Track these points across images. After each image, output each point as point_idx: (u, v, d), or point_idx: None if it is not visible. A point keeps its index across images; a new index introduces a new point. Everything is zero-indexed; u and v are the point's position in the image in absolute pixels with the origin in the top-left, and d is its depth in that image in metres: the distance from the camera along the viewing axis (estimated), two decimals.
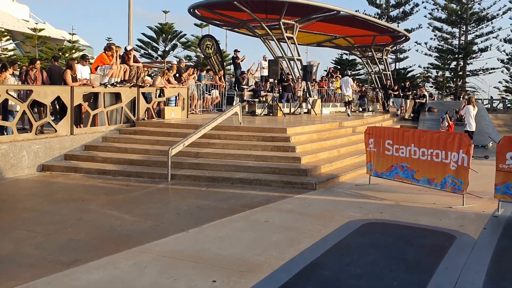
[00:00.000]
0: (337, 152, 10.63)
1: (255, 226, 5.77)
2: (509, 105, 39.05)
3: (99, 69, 11.64)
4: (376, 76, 30.57)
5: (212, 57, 19.10)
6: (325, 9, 19.72)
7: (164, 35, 33.03)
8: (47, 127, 10.48)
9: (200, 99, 16.06)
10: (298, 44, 21.65)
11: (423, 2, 42.20)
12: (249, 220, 6.06)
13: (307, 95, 18.49)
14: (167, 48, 33.97)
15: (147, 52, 34.35)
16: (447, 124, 15.70)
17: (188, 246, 5.01)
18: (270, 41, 22.98)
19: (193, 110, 15.64)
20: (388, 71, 30.23)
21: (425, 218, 6.21)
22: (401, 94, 21.40)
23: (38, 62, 10.87)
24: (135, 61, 12.57)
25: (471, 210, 6.74)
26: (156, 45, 34.03)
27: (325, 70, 43.63)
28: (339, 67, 43.51)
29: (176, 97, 14.01)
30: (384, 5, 43.10)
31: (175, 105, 13.97)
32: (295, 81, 20.40)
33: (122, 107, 11.90)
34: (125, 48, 12.32)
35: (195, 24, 34.60)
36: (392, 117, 19.71)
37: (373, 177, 8.54)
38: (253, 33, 22.45)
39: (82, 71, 11.15)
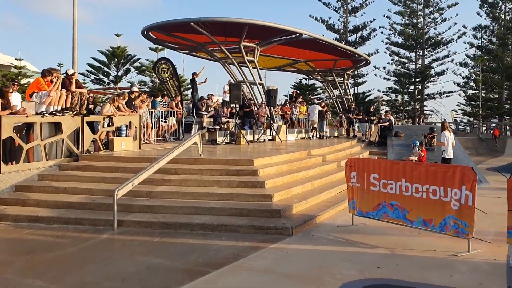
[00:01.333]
0: (311, 186, 9.45)
1: None
2: (467, 127, 39.70)
3: (35, 95, 10.05)
4: (337, 100, 30.14)
5: (168, 82, 17.75)
6: (287, 31, 18.92)
7: (116, 59, 31.15)
8: None
9: (154, 128, 14.61)
10: (259, 68, 20.70)
11: (380, 27, 42.87)
12: None
13: (271, 121, 17.42)
14: (119, 73, 32.01)
15: (98, 77, 32.38)
16: (418, 150, 14.96)
17: None
18: (230, 65, 21.96)
19: (147, 140, 14.16)
20: (350, 95, 29.86)
21: (433, 274, 5.05)
22: (366, 119, 20.74)
23: None
24: (79, 86, 11.05)
25: (481, 258, 5.65)
26: (107, 70, 32.00)
27: (285, 95, 43.24)
28: (298, 91, 43.21)
29: (127, 126, 12.52)
30: (342, 30, 43.45)
31: (126, 135, 12.48)
32: (258, 107, 19.33)
33: (63, 139, 10.31)
34: (66, 72, 10.79)
35: (150, 48, 33.15)
36: (359, 143, 18.90)
37: (356, 216, 7.37)
38: (212, 56, 21.33)
39: (13, 97, 9.53)
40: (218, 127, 15.53)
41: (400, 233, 6.78)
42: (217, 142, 14.43)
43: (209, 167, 9.47)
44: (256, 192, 8.14)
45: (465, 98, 41.11)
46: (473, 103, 40.64)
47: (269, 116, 18.26)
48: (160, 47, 31.55)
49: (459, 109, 42.22)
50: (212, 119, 17.16)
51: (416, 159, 14.75)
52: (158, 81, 22.40)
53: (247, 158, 9.86)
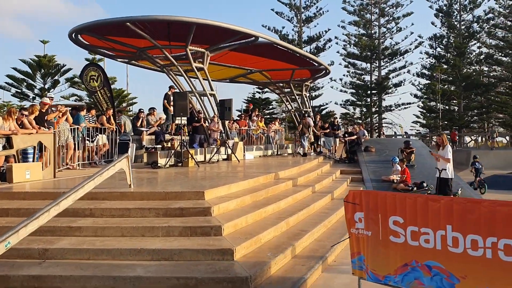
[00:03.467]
0: (286, 226, 6.82)
1: None
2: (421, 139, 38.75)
3: None
4: (296, 113, 28.00)
5: (98, 92, 14.70)
6: (241, 34, 16.46)
7: (43, 70, 27.17)
8: None
9: (79, 149, 11.57)
10: (210, 78, 18.07)
11: (335, 37, 41.43)
12: None
13: (226, 137, 14.73)
14: (46, 86, 27.87)
15: (20, 91, 28.00)
16: (400, 168, 12.74)
17: None
18: (177, 75, 19.19)
19: (68, 164, 11.11)
20: (309, 108, 27.82)
21: None
22: (333, 133, 18.54)
23: None
24: None
25: None
26: (32, 82, 27.80)
27: (238, 110, 40.85)
28: (253, 105, 41.14)
29: (35, 148, 9.45)
30: (296, 41, 41.66)
31: (35, 160, 9.40)
32: (209, 121, 16.64)
33: None
34: None
35: (87, 59, 29.54)
36: (326, 160, 16.56)
37: (365, 281, 4.78)
38: (154, 64, 18.47)
39: None
40: (160, 146, 12.65)
41: None
42: (159, 165, 11.56)
43: (141, 204, 6.63)
44: (209, 245, 5.38)
45: (421, 109, 40.17)
46: (429, 114, 39.77)
47: (223, 131, 15.59)
48: (98, 56, 28.18)
49: (416, 121, 41.29)
50: (154, 137, 14.29)
51: (398, 178, 12.55)
52: (87, 92, 19.04)
53: (196, 190, 7.09)
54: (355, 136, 17.47)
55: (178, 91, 16.00)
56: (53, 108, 11.47)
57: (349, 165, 15.94)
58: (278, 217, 7.00)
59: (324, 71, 25.38)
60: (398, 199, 4.48)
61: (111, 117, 13.12)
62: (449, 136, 32.38)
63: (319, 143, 18.72)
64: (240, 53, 20.04)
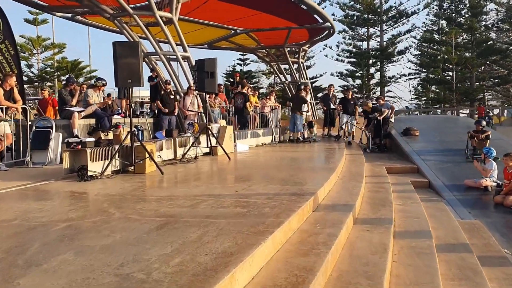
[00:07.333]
0: None
1: None
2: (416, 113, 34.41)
3: None
4: (290, 86, 22.97)
5: None
6: None
7: None
8: None
9: None
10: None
11: None
12: None
13: (207, 120, 9.45)
14: None
15: None
16: (493, 167, 7.86)
17: None
18: (141, 38, 13.60)
19: None
20: (307, 79, 22.81)
21: None
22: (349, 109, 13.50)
23: None
24: None
25: None
26: None
27: (219, 84, 35.56)
28: (232, 80, 35.86)
29: None
30: None
31: None
32: (180, 96, 11.43)
33: None
34: None
35: (26, 21, 23.26)
36: (350, 149, 11.54)
37: None
38: (101, 14, 12.91)
39: None
40: (94, 138, 7.31)
41: None
42: (93, 174, 6.34)
43: None
44: None
45: (424, 82, 35.19)
46: (432, 86, 35.09)
47: (203, 110, 10.43)
48: (41, 16, 22.32)
49: (423, 93, 36.58)
50: (94, 120, 9.04)
51: (495, 184, 7.66)
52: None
53: None
54: (387, 113, 12.48)
55: (124, 41, 10.43)
56: None
57: (390, 157, 10.98)
58: None
59: (327, 31, 20.26)
60: None
61: (15, 90, 7.79)
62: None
63: (342, 125, 13.42)
64: (222, 1, 14.76)
